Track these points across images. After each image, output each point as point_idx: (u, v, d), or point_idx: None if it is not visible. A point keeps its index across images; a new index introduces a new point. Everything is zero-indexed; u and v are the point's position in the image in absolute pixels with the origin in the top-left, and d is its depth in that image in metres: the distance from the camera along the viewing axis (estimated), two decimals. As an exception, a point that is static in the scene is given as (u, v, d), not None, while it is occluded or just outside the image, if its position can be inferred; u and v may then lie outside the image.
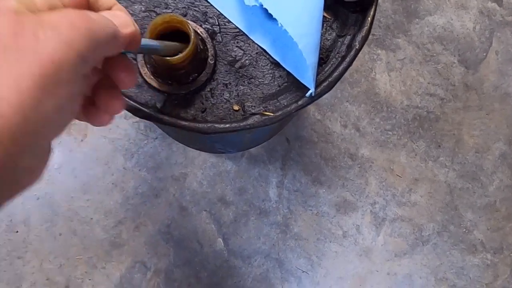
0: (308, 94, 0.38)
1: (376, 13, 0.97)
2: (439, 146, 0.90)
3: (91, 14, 0.22)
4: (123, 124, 0.87)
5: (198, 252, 0.85)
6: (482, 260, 0.87)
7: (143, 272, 0.83)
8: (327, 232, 0.87)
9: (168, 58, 0.35)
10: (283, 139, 0.89)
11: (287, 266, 0.85)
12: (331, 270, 0.86)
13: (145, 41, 0.31)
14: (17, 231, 0.82)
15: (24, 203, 0.83)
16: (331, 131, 0.90)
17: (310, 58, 0.38)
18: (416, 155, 0.90)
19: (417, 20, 0.94)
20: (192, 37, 0.35)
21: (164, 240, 0.85)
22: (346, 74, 0.95)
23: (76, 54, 0.20)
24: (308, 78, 0.39)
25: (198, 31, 0.41)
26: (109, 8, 0.26)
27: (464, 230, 0.88)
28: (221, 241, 0.85)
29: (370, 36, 0.93)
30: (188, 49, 0.35)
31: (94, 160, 0.86)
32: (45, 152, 0.23)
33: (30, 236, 0.82)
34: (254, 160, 0.88)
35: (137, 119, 0.88)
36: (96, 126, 0.28)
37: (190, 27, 0.35)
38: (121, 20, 0.25)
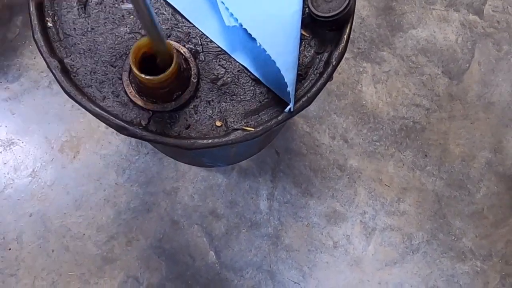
0: (287, 109, 0.40)
1: (361, 27, 0.99)
2: (426, 155, 0.92)
3: None
4: (115, 140, 0.89)
5: (190, 266, 0.86)
6: (471, 268, 0.88)
7: (136, 287, 0.84)
8: (318, 243, 0.88)
9: (152, 77, 0.37)
10: (273, 151, 0.90)
11: (279, 278, 0.86)
12: (322, 280, 0.86)
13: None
14: (9, 249, 0.83)
15: (16, 221, 0.84)
16: (320, 143, 0.91)
17: (288, 75, 0.40)
18: (403, 165, 0.92)
19: (401, 33, 0.96)
20: (174, 57, 0.37)
21: (156, 254, 0.85)
22: (333, 87, 0.96)
23: None
24: (286, 94, 0.40)
25: (181, 51, 0.43)
26: None
27: (453, 238, 0.89)
28: (213, 254, 0.86)
29: (356, 50, 0.96)
30: (170, 69, 0.37)
31: (86, 176, 0.87)
32: None
33: (23, 253, 0.83)
34: (244, 173, 0.89)
35: (129, 134, 0.89)
36: None
37: (173, 48, 0.37)
38: None
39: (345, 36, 0.43)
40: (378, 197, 0.90)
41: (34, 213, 0.84)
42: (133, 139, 0.89)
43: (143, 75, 0.36)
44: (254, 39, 0.43)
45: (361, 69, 0.95)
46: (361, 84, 0.94)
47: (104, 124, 0.39)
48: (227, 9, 0.42)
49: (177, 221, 0.87)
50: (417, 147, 0.92)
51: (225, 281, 0.85)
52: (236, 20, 0.41)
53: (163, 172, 0.88)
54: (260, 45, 0.40)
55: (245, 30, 0.42)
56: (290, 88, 0.40)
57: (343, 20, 0.43)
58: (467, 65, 0.96)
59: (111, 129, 0.89)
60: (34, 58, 0.91)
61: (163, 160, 0.88)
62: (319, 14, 0.42)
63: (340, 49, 0.43)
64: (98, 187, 0.87)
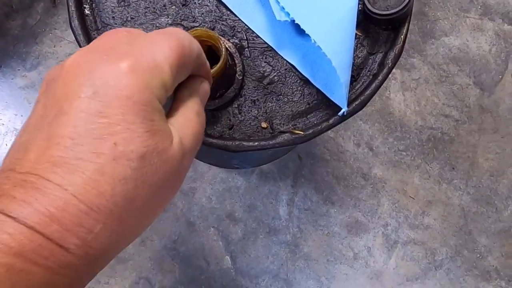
0: (340, 113, 0.37)
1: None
2: (453, 168, 0.89)
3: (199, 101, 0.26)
4: (133, 136, 0.86)
5: (205, 270, 0.82)
6: (496, 288, 0.85)
7: (147, 289, 0.81)
8: (338, 253, 0.85)
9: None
10: (295, 156, 0.87)
11: None
12: (341, 293, 0.83)
13: None
14: (19, 243, 0.80)
15: (28, 214, 0.81)
16: (344, 149, 0.88)
17: (344, 76, 0.36)
18: (429, 176, 0.88)
19: (432, 40, 0.93)
20: (223, 52, 0.34)
21: (170, 256, 0.82)
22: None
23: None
24: (340, 96, 0.37)
25: (226, 46, 0.40)
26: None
27: (478, 255, 0.86)
28: (229, 259, 0.83)
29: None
30: (218, 64, 0.34)
31: (101, 171, 0.84)
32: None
33: (33, 248, 0.80)
34: (264, 176, 0.86)
35: (147, 131, 0.86)
36: None
37: (221, 42, 0.34)
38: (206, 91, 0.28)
39: (402, 36, 0.40)
40: (402, 209, 0.87)
41: (47, 207, 0.82)
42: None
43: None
44: (304, 36, 0.40)
45: (390, 76, 0.91)
46: (389, 91, 0.91)
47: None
48: (277, 2, 0.39)
49: (193, 222, 0.84)
50: (445, 159, 0.89)
51: (239, 288, 0.82)
52: (288, 14, 0.38)
53: (181, 171, 0.85)
54: (314, 42, 0.36)
55: (296, 26, 0.39)
56: (345, 91, 0.37)
57: (401, 18, 0.40)
58: (500, 76, 0.92)
59: (129, 124, 0.86)
60: (54, 46, 0.89)
61: (182, 159, 0.85)
62: (376, 11, 0.39)
63: (397, 50, 0.40)
64: (114, 183, 0.84)
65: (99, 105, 0.19)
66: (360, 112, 0.91)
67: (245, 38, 0.41)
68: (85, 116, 0.19)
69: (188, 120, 0.24)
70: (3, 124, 0.85)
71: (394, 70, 0.91)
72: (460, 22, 0.94)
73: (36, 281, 0.18)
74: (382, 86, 0.94)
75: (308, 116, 0.39)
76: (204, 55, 0.27)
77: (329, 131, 0.88)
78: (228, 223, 0.84)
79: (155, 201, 0.22)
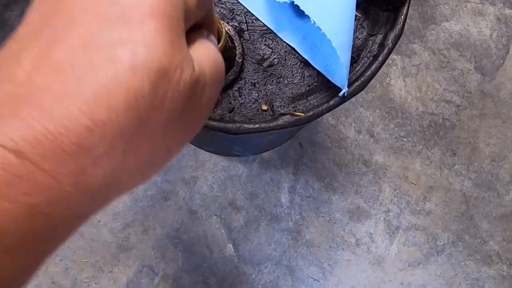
0: (341, 93, 0.37)
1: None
2: (455, 154, 0.89)
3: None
4: (133, 125, 0.86)
5: (207, 258, 0.83)
6: (497, 272, 0.85)
7: (151, 277, 0.81)
8: (340, 240, 0.85)
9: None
10: (296, 143, 0.87)
11: (298, 274, 0.83)
12: (343, 278, 0.84)
13: None
14: (23, 233, 0.80)
15: (30, 204, 0.81)
16: (345, 136, 0.88)
17: (344, 56, 0.36)
18: (431, 162, 0.88)
19: (433, 25, 0.93)
20: (223, 33, 0.34)
21: (172, 244, 0.83)
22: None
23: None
24: (341, 77, 0.37)
25: (226, 29, 0.39)
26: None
27: (480, 240, 0.86)
28: (231, 246, 0.83)
29: (386, 41, 0.92)
30: (219, 45, 0.34)
31: (103, 161, 0.84)
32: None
33: (36, 237, 0.80)
34: (266, 164, 0.86)
35: (148, 120, 0.86)
36: None
37: (222, 23, 0.34)
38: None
39: (402, 17, 0.40)
40: (403, 195, 0.87)
41: (49, 197, 0.82)
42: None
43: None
44: (303, 17, 0.40)
45: (390, 62, 0.91)
46: (390, 77, 0.91)
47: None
48: (277, -17, 0.39)
49: (195, 211, 0.84)
50: (446, 144, 0.89)
51: (242, 275, 0.82)
52: (287, -5, 0.38)
53: (182, 160, 0.85)
54: (314, 22, 0.36)
55: (295, 7, 0.39)
56: (345, 71, 0.36)
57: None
58: (501, 61, 0.92)
59: (130, 114, 0.86)
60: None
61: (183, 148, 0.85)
62: (377, -8, 0.39)
63: (397, 30, 0.40)
64: (115, 173, 0.84)
65: (119, 10, 0.16)
66: (360, 99, 0.92)
67: (244, 21, 0.41)
68: (101, 20, 0.16)
69: (208, 50, 0.20)
70: (3, 116, 0.85)
71: (394, 56, 0.91)
72: (461, 6, 0.93)
73: (10, 223, 0.14)
74: (382, 73, 0.93)
75: (309, 98, 0.39)
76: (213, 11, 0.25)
77: (330, 118, 0.88)
78: (230, 211, 0.84)
79: (172, 132, 0.18)
